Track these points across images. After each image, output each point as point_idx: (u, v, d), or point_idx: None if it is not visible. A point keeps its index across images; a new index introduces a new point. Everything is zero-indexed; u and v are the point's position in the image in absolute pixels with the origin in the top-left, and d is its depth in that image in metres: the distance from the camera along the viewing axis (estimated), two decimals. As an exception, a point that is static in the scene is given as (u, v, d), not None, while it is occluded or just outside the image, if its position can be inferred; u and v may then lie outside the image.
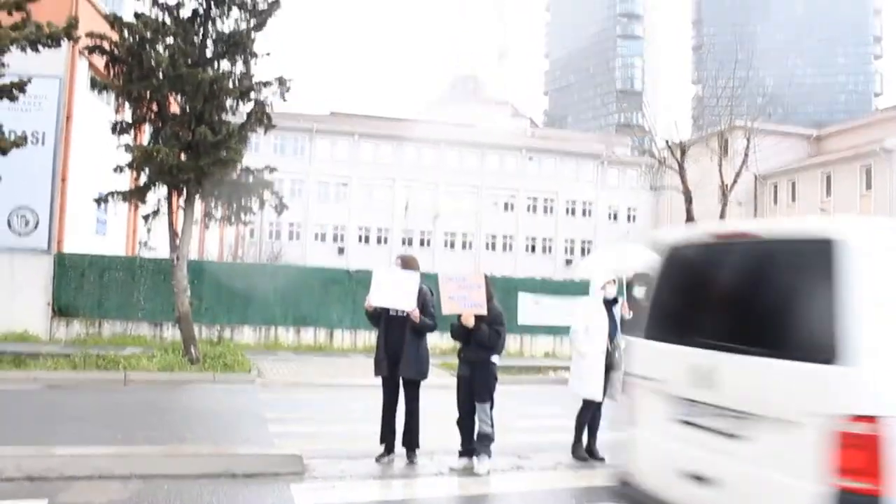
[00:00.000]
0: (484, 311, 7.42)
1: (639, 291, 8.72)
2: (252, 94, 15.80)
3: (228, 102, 15.72)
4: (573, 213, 60.42)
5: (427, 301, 7.62)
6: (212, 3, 15.49)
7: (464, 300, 7.42)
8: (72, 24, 15.50)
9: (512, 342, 20.49)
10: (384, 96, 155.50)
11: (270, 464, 7.20)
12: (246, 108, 16.14)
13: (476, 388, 7.54)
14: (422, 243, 56.20)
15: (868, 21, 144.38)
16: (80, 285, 19.64)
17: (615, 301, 8.47)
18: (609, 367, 8.16)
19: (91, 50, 15.51)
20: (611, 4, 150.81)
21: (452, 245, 57.80)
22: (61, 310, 19.49)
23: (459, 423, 7.69)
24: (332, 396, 13.26)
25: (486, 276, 7.66)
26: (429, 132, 56.58)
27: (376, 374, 7.81)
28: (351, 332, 21.19)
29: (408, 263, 7.84)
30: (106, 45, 15.29)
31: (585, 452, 8.23)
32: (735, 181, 25.17)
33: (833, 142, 51.87)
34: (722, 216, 24.26)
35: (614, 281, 8.45)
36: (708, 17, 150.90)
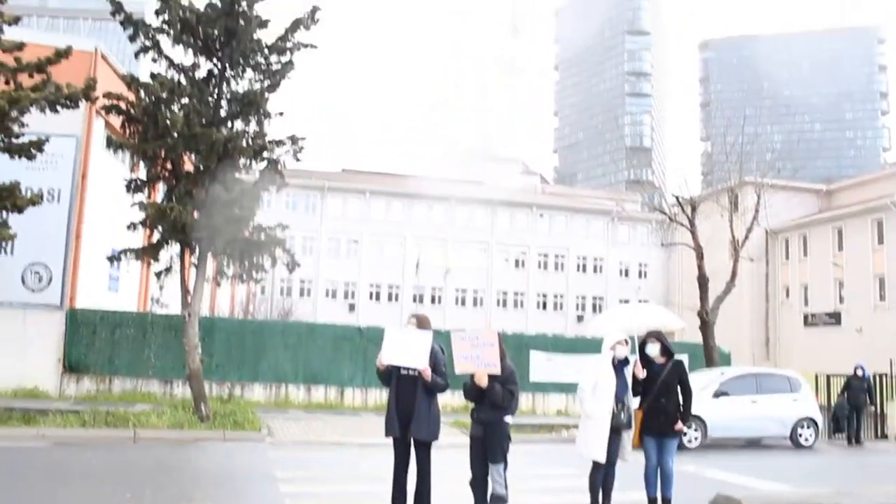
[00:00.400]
0: (497, 371, 7.34)
1: (652, 350, 8.61)
2: (265, 153, 16.00)
3: (242, 161, 15.91)
4: (584, 269, 60.33)
5: (439, 360, 7.55)
6: (227, 64, 15.79)
7: (477, 359, 7.35)
8: (90, 86, 15.85)
9: (524, 400, 20.28)
10: (395, 154, 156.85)
11: (280, 525, 7.08)
12: (259, 166, 16.32)
13: (489, 448, 7.43)
14: (433, 300, 56.12)
15: (874, 77, 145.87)
16: (91, 341, 19.65)
17: (626, 361, 8.37)
18: (617, 428, 8.04)
19: (108, 110, 15.80)
20: (619, 63, 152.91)
21: (463, 302, 57.66)
22: (72, 366, 19.48)
23: (472, 483, 7.56)
24: (343, 456, 13.10)
25: (498, 335, 7.60)
26: (439, 189, 56.96)
27: (387, 434, 7.70)
28: (362, 390, 21.05)
29: (421, 322, 7.79)
30: (122, 105, 15.57)
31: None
32: (746, 237, 25.09)
33: (843, 196, 51.91)
34: (733, 272, 24.15)
35: (626, 341, 8.37)
36: (715, 75, 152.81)
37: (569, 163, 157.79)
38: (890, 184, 47.03)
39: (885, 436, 19.68)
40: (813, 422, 17.12)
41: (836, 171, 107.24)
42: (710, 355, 22.40)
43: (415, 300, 54.75)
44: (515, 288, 58.66)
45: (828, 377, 21.23)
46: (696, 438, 15.50)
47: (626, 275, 60.51)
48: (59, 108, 15.70)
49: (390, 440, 7.75)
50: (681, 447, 13.18)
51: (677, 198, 26.75)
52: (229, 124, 16.01)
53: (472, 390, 7.50)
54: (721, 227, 25.93)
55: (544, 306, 59.23)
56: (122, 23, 15.49)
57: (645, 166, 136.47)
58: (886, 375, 20.77)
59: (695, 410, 14.41)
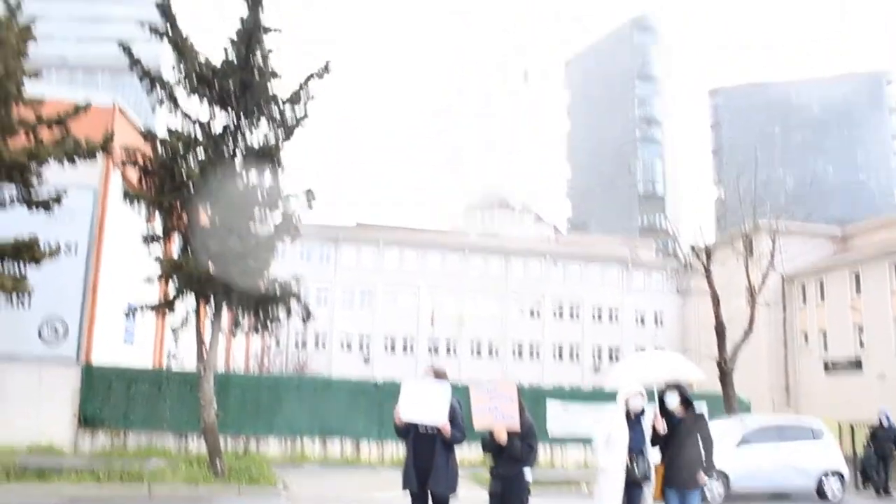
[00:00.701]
0: (517, 427, 7.25)
1: (671, 401, 8.49)
2: (280, 205, 16.10)
3: (257, 213, 16.01)
4: (599, 318, 59.99)
5: (456, 413, 7.46)
6: (242, 116, 15.98)
7: (495, 411, 7.27)
8: (108, 139, 16.10)
9: (542, 452, 20.00)
10: (409, 205, 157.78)
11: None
12: (274, 218, 16.42)
13: (509, 502, 7.30)
14: (447, 350, 55.86)
15: (884, 120, 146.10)
16: (106, 396, 19.56)
17: (643, 412, 8.25)
18: (635, 482, 7.89)
19: (125, 163, 15.99)
20: (629, 110, 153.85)
21: (479, 352, 57.33)
22: (87, 421, 19.38)
23: (493, 539, 7.42)
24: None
25: (517, 388, 7.51)
26: (453, 240, 57.11)
27: (405, 487, 7.58)
28: (378, 444, 20.83)
29: (438, 374, 7.72)
30: (139, 158, 15.75)
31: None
32: (762, 282, 24.92)
33: (859, 240, 51.62)
34: (751, 319, 23.93)
35: (641, 393, 8.25)
36: (726, 121, 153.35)
37: (581, 211, 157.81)
38: (903, 226, 46.84)
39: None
40: (839, 474, 16.69)
41: (851, 214, 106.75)
42: (729, 404, 22.09)
43: (430, 351, 54.54)
44: (531, 338, 58.33)
45: (851, 425, 20.83)
46: (720, 494, 15.15)
47: (642, 323, 60.14)
48: (77, 161, 15.92)
49: (408, 495, 7.63)
50: (703, 500, 12.94)
51: (692, 246, 26.69)
52: (244, 177, 16.14)
53: (490, 445, 7.40)
54: (736, 272, 25.78)
55: (560, 356, 58.80)
56: (139, 77, 15.77)
57: (658, 213, 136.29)
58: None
59: (717, 462, 14.20)
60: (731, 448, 15.58)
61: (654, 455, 8.29)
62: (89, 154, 16.01)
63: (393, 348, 56.43)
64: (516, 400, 7.33)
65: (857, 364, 45.04)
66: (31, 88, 16.39)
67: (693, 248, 26.40)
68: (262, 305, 16.26)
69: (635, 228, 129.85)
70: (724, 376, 22.71)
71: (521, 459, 7.34)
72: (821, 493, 16.41)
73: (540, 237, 71.69)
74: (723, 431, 15.74)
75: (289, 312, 16.48)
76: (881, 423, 18.53)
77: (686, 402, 8.48)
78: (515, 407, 7.29)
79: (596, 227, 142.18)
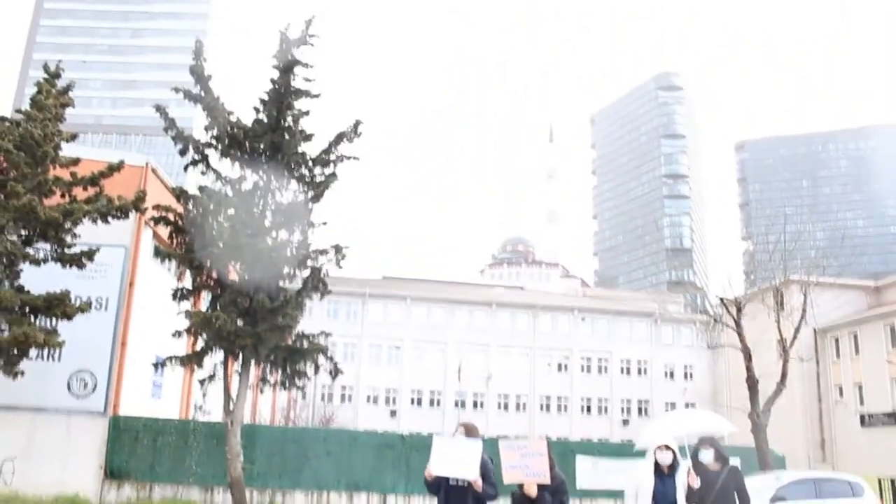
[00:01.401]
0: (547, 480, 7.20)
1: (705, 456, 8.37)
2: (308, 262, 16.25)
3: (286, 270, 16.18)
4: (628, 372, 59.37)
5: (488, 469, 7.41)
6: (272, 176, 16.25)
7: (526, 469, 7.23)
8: (140, 198, 16.45)
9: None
10: (435, 260, 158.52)
11: None
12: (302, 274, 16.57)
13: (538, 557, 7.20)
14: (475, 405, 55.43)
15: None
16: (133, 448, 19.61)
17: (675, 466, 8.12)
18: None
19: (156, 221, 16.29)
20: (656, 166, 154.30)
21: (506, 406, 56.82)
22: (113, 472, 19.40)
23: None
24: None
25: (547, 443, 7.47)
26: (480, 295, 57.10)
27: None
28: (405, 498, 20.60)
29: (469, 431, 7.69)
30: (170, 217, 16.03)
31: None
32: (795, 336, 24.58)
33: (893, 293, 50.86)
34: (783, 373, 23.56)
35: (668, 447, 8.14)
36: (752, 175, 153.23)
37: (609, 266, 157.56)
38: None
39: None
40: (879, 531, 16.24)
41: (883, 266, 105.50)
42: (763, 459, 21.65)
43: (456, 405, 54.14)
44: (559, 392, 57.77)
45: (892, 480, 20.30)
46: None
47: (672, 377, 59.42)
48: (109, 219, 16.26)
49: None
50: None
51: (721, 299, 26.46)
52: (274, 234, 16.35)
53: (521, 500, 7.33)
54: (767, 327, 25.47)
55: (588, 410, 58.10)
56: (173, 138, 16.15)
57: (686, 267, 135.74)
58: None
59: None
60: (765, 504, 15.23)
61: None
62: (121, 212, 16.36)
63: (420, 402, 56.12)
64: (546, 455, 7.29)
65: (893, 417, 44.06)
66: (67, 150, 16.86)
67: (723, 301, 26.16)
68: (289, 361, 16.32)
69: (663, 283, 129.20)
70: (757, 430, 22.29)
71: (548, 514, 7.25)
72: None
73: (567, 291, 71.48)
74: (757, 487, 15.40)
75: (316, 368, 16.52)
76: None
77: (721, 457, 8.37)
78: (545, 462, 7.25)
79: (624, 281, 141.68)
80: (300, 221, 16.28)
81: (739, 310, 24.87)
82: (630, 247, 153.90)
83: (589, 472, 20.39)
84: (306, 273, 16.45)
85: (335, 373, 16.48)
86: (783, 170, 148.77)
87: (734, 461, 8.39)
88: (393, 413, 54.63)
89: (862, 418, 46.42)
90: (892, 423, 44.09)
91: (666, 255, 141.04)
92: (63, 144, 16.68)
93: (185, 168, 16.64)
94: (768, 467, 20.86)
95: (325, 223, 16.61)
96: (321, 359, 16.33)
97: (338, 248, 16.23)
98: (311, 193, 16.44)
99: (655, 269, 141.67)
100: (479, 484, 7.24)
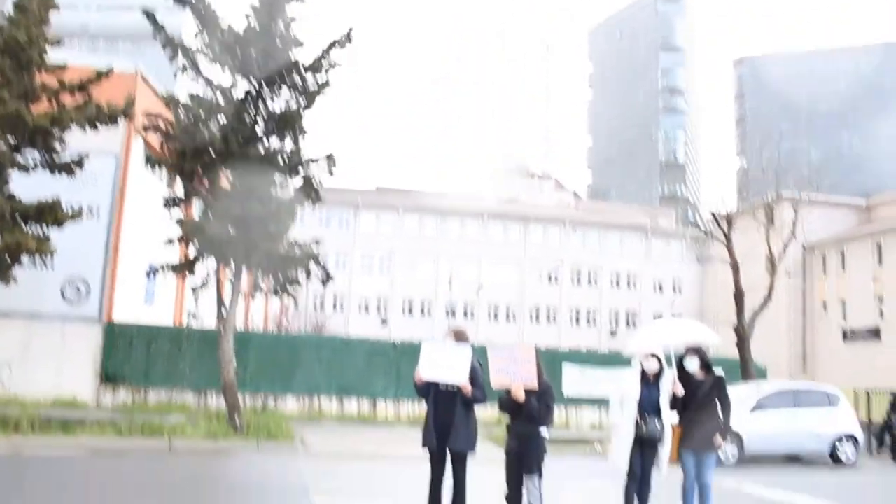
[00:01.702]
0: (535, 385, 7.34)
1: (691, 365, 8.54)
2: (301, 170, 16.17)
3: (278, 178, 16.11)
4: (618, 284, 60.00)
5: (477, 373, 7.54)
6: (263, 84, 16.00)
7: (514, 374, 7.35)
8: (130, 105, 16.21)
9: (558, 414, 20.15)
10: (430, 171, 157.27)
11: (314, 535, 7.10)
12: (294, 182, 16.51)
13: (525, 460, 7.41)
14: (465, 315, 56.11)
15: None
16: (127, 354, 19.91)
17: (660, 373, 8.29)
18: (653, 441, 7.98)
19: (147, 128, 16.11)
20: (653, 79, 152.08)
21: (496, 317, 57.58)
22: (108, 377, 19.74)
23: (508, 497, 7.53)
24: (377, 468, 13.12)
25: (535, 350, 7.59)
26: (473, 206, 57.10)
27: (424, 445, 7.68)
28: (395, 403, 21.09)
29: (459, 336, 7.79)
30: (161, 124, 15.85)
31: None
32: (783, 252, 24.82)
33: (883, 211, 51.13)
34: (770, 287, 23.89)
35: (654, 355, 8.30)
36: (750, 91, 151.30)
37: (602, 179, 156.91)
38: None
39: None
40: (853, 438, 16.79)
41: (876, 185, 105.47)
42: (746, 370, 22.16)
43: (447, 315, 54.84)
44: (548, 303, 58.49)
45: (867, 392, 20.84)
46: (733, 456, 15.27)
47: (661, 290, 60.14)
48: (99, 126, 16.07)
49: (425, 452, 7.74)
50: (718, 462, 13.05)
51: (713, 214, 26.57)
52: (266, 142, 16.22)
53: (508, 404, 7.49)
54: (757, 242, 25.69)
55: (577, 321, 58.98)
56: (163, 44, 15.81)
57: (679, 182, 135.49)
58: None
59: (732, 425, 14.28)
60: (746, 412, 15.68)
61: (673, 418, 8.37)
62: (111, 119, 16.15)
63: (410, 311, 56.81)
64: (534, 361, 7.40)
65: (875, 333, 44.93)
66: (53, 56, 16.51)
67: (714, 216, 26.28)
68: (281, 268, 16.42)
69: (656, 197, 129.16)
70: (742, 342, 22.76)
71: (538, 418, 7.42)
72: (833, 456, 16.51)
73: (560, 204, 71.48)
74: (739, 396, 15.87)
75: (308, 275, 16.63)
76: (900, 392, 18.58)
77: (706, 366, 8.54)
78: (533, 368, 7.37)
79: (616, 195, 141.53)
80: (292, 129, 16.12)
81: (730, 224, 25.02)
82: (624, 161, 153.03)
83: (576, 381, 20.73)
84: (298, 181, 16.38)
85: (326, 280, 16.61)
86: (781, 86, 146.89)
87: (718, 371, 8.57)
88: (384, 322, 55.33)
89: (844, 333, 47.31)
90: (873, 338, 44.97)
91: (659, 170, 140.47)
92: (49, 50, 16.32)
93: (175, 75, 16.34)
94: (751, 378, 21.36)
95: (317, 133, 16.47)
96: (313, 266, 16.43)
97: (330, 157, 16.13)
98: (303, 101, 16.23)
99: (648, 184, 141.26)
100: (468, 388, 7.38)
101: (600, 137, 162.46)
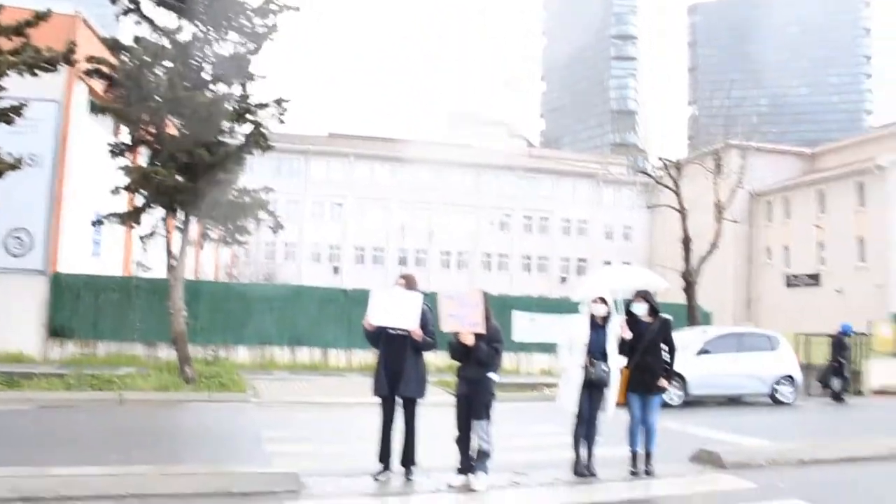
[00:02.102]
0: (483, 330, 7.42)
1: (638, 309, 8.70)
2: (249, 116, 15.87)
3: (226, 124, 15.80)
4: (569, 231, 60.58)
5: (428, 320, 7.62)
6: (210, 27, 15.59)
7: (462, 319, 7.42)
8: (71, 49, 15.63)
9: (508, 360, 20.45)
10: (382, 117, 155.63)
11: (267, 482, 7.18)
12: (243, 129, 16.22)
13: (474, 405, 7.52)
14: (417, 262, 56.16)
15: (859, 41, 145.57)
16: (75, 306, 19.60)
17: (608, 318, 8.45)
18: (599, 384, 8.16)
19: (90, 74, 15.61)
20: (605, 27, 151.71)
21: (448, 264, 57.78)
22: (56, 331, 19.45)
23: (458, 440, 7.67)
24: (328, 415, 13.23)
25: (483, 295, 7.66)
26: (425, 153, 56.79)
27: (375, 392, 7.78)
28: (346, 352, 21.17)
29: (409, 283, 7.84)
30: (105, 69, 15.38)
31: (584, 468, 8.21)
32: (730, 199, 25.28)
33: (827, 160, 52.18)
34: (717, 234, 24.36)
35: (602, 299, 8.43)
36: (703, 39, 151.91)
37: (555, 127, 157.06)
38: (872, 147, 47.41)
39: (860, 392, 20.04)
40: (792, 379, 17.41)
41: (822, 134, 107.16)
42: (692, 315, 22.68)
43: (400, 263, 54.87)
44: (500, 250, 58.90)
45: (807, 336, 21.52)
46: (678, 396, 15.69)
47: (610, 237, 60.92)
48: (38, 72, 15.47)
49: (375, 399, 7.83)
50: (664, 405, 13.39)
51: (663, 161, 26.88)
52: (213, 87, 15.86)
53: (457, 349, 7.58)
54: (705, 189, 26.06)
55: (528, 268, 59.53)
56: (103, -16, 15.26)
57: (629, 130, 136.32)
58: (864, 334, 21.13)
59: (677, 368, 14.63)
60: (691, 356, 16.11)
61: (620, 361, 8.55)
62: (51, 64, 15.54)
63: (362, 259, 56.74)
64: (482, 306, 7.47)
65: (816, 279, 46.26)
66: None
67: (664, 163, 26.59)
68: (230, 216, 16.23)
69: (607, 145, 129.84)
70: (689, 288, 23.25)
71: (487, 363, 7.52)
72: (774, 397, 17.11)
73: (513, 152, 71.49)
74: (685, 341, 16.33)
75: (258, 223, 16.47)
76: (839, 333, 19.21)
77: (653, 310, 8.71)
78: (481, 313, 7.44)
79: (569, 142, 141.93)
80: (240, 74, 15.79)
81: (679, 172, 25.35)
82: (576, 108, 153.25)
83: (525, 327, 21.12)
84: (247, 128, 16.09)
85: (276, 228, 16.50)
86: (733, 35, 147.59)
87: (665, 316, 8.76)
88: (336, 270, 55.17)
89: (787, 279, 48.59)
90: (814, 283, 46.31)
91: (611, 117, 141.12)
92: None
93: (118, 18, 15.80)
94: (697, 323, 21.88)
95: (265, 77, 16.13)
96: (262, 214, 16.27)
97: (279, 102, 15.83)
98: (251, 45, 15.88)
99: (600, 131, 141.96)
100: (418, 333, 7.46)
101: (553, 85, 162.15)
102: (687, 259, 23.75)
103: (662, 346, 8.58)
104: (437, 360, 17.58)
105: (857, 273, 43.23)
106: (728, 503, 7.56)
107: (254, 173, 20.35)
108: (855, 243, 43.91)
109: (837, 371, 18.68)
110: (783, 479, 8.39)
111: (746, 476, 8.48)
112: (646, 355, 8.47)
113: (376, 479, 7.58)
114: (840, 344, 18.97)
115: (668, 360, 8.57)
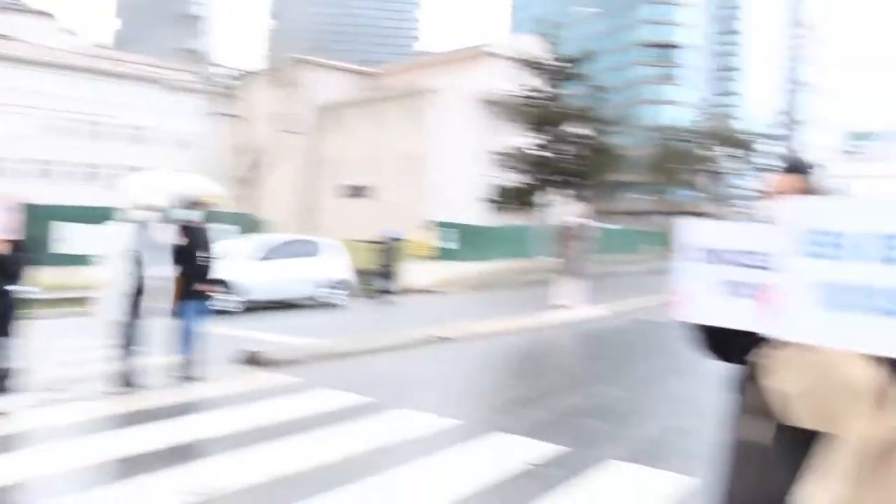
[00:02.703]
0: (17, 236, 6.81)
1: (188, 216, 8.60)
2: None
3: None
4: (125, 138, 57.08)
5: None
6: None
7: None
8: None
9: (50, 273, 18.78)
10: None
11: None
12: None
13: (-1, 320, 6.87)
14: (-51, 167, 48.74)
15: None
16: None
17: (153, 226, 8.25)
18: (144, 292, 7.99)
19: None
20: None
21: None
22: None
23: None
24: None
25: (16, 201, 6.97)
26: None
27: None
28: None
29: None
30: None
31: (129, 379, 8.02)
32: (296, 113, 25.91)
33: (390, 80, 56.16)
34: (279, 146, 24.87)
35: (148, 205, 8.20)
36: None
37: (131, 29, 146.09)
38: (425, 72, 52.46)
39: (402, 292, 22.24)
40: (344, 282, 18.74)
41: (391, 56, 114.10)
42: (251, 223, 23.04)
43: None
44: (49, 156, 53.49)
45: (358, 241, 23.18)
46: (237, 303, 15.85)
47: (173, 145, 58.73)
48: None
49: None
50: (223, 312, 13.58)
51: (230, 69, 26.51)
52: None
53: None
54: (273, 101, 26.38)
55: (80, 176, 54.97)
56: None
57: (201, 37, 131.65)
58: (401, 240, 23.35)
59: (233, 276, 14.85)
60: (248, 262, 16.41)
61: (171, 269, 8.44)
62: None
63: None
64: (13, 212, 6.83)
65: (362, 190, 50.95)
66: None
67: (235, 74, 26.28)
68: None
69: (178, 50, 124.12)
70: (248, 196, 23.55)
71: (11, 274, 6.91)
72: (327, 300, 18.29)
73: (68, 50, 64.51)
74: (242, 248, 16.62)
75: None
76: (384, 239, 21.11)
77: (201, 219, 8.74)
78: (10, 219, 6.80)
79: (142, 46, 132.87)
80: None
81: (247, 82, 25.28)
82: (154, 11, 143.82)
83: (68, 238, 19.57)
84: None
85: None
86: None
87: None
88: None
89: (342, 190, 52.49)
90: (360, 195, 51.11)
91: (184, 22, 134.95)
92: None
93: None
94: (256, 231, 22.29)
95: None
96: None
97: None
98: None
99: (172, 35, 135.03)
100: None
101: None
102: (251, 170, 23.96)
103: (206, 253, 8.70)
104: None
105: (401, 187, 48.08)
106: (264, 398, 7.92)
107: None
108: (404, 159, 48.52)
109: (384, 273, 20.51)
110: (321, 373, 9.12)
111: (286, 371, 9.11)
112: (192, 262, 8.53)
113: None
114: (386, 249, 20.80)
115: (209, 267, 8.73)
